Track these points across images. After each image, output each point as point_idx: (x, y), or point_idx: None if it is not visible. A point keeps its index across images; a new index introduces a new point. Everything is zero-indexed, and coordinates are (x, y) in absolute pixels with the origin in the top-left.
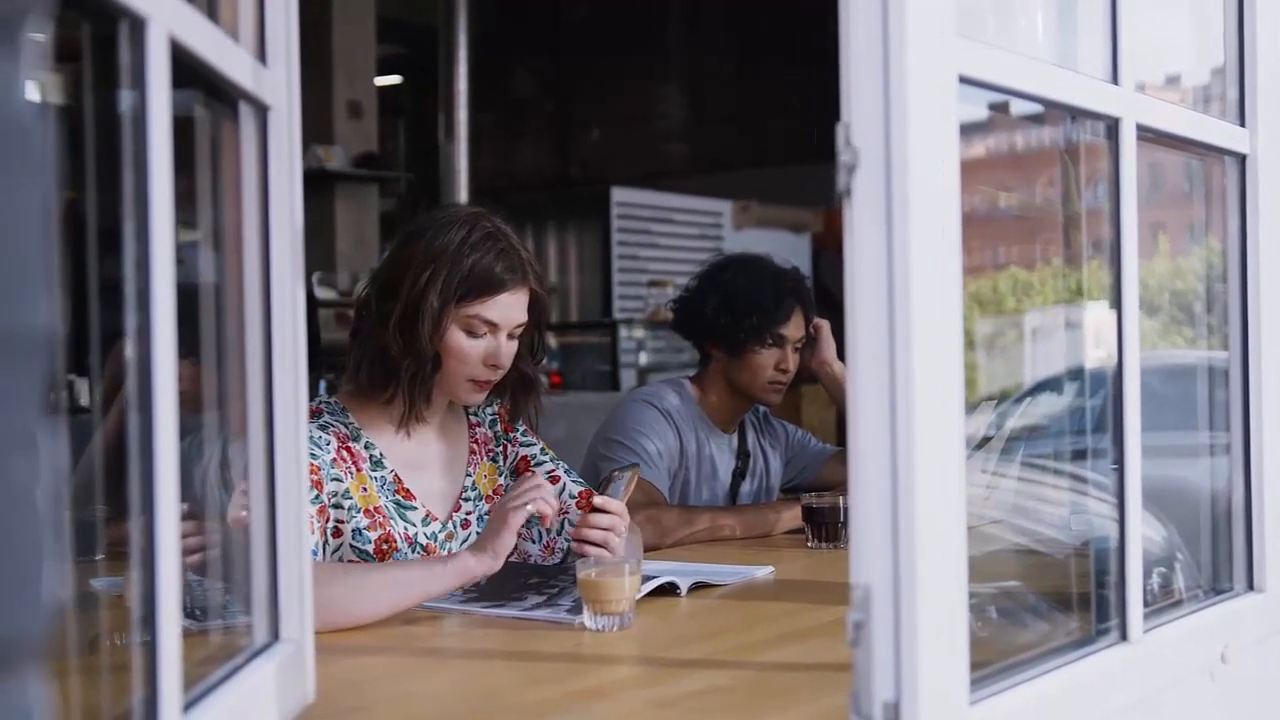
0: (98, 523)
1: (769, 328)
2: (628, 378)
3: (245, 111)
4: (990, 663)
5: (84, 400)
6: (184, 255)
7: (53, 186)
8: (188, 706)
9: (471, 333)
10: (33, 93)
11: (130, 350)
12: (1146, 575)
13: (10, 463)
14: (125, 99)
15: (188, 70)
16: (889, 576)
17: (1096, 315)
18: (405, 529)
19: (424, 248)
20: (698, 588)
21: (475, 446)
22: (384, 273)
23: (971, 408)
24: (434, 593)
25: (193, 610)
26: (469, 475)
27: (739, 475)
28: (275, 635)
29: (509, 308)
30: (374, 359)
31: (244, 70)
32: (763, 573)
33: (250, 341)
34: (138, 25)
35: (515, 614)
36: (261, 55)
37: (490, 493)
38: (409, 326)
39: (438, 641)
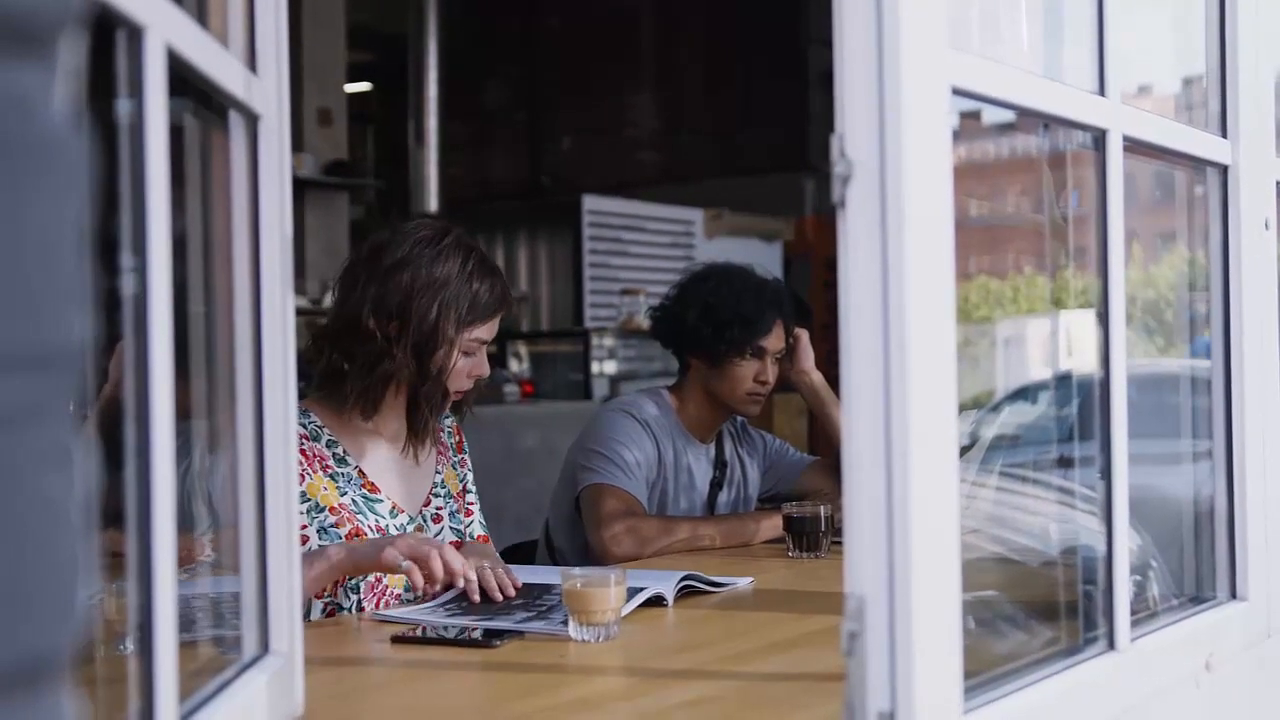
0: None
1: (750, 340)
2: (600, 387)
3: (235, 120)
4: (982, 672)
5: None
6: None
7: (86, 200)
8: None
9: (468, 353)
10: (67, 106)
11: (126, 359)
12: None
13: (45, 477)
14: (121, 107)
15: (179, 78)
16: (883, 587)
17: (1071, 324)
18: (375, 521)
19: (424, 277)
20: (684, 594)
21: (441, 447)
22: (383, 299)
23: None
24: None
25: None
26: (438, 473)
27: (716, 485)
28: (265, 648)
29: (497, 324)
30: (382, 383)
31: (236, 79)
32: (744, 583)
33: (240, 351)
34: (135, 34)
35: (508, 627)
36: (252, 64)
37: (457, 493)
38: (422, 355)
39: (425, 654)
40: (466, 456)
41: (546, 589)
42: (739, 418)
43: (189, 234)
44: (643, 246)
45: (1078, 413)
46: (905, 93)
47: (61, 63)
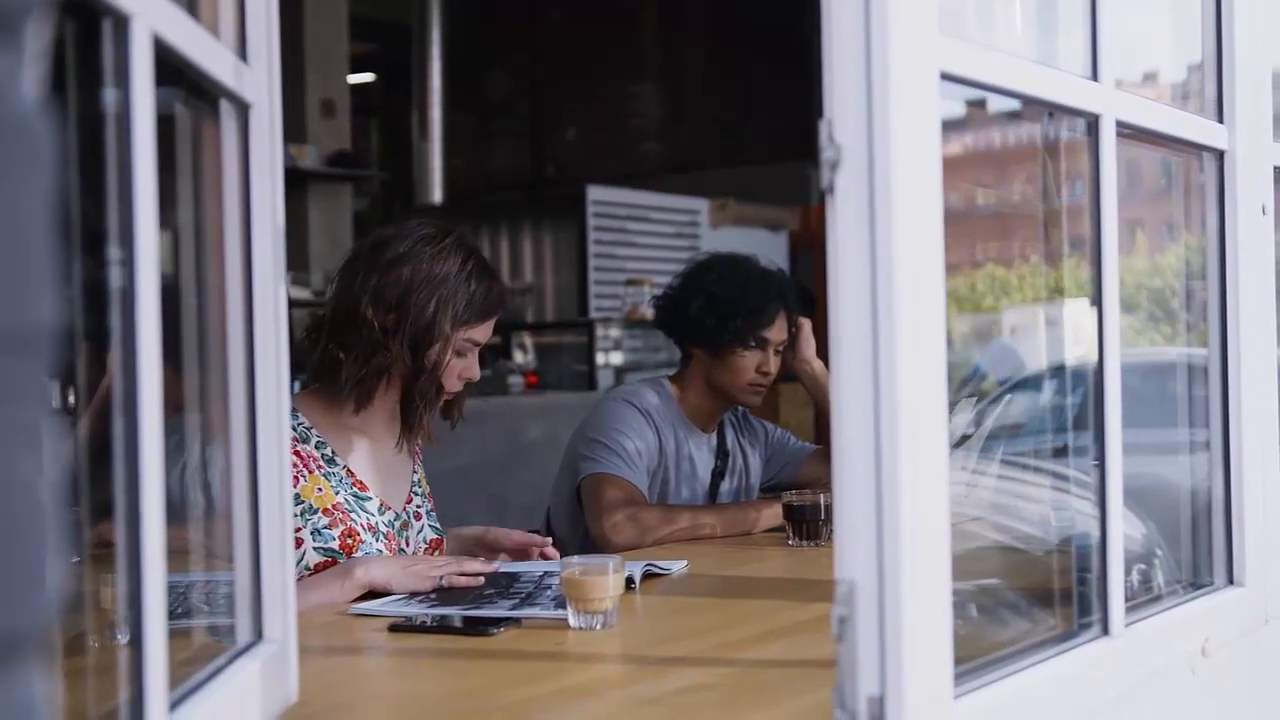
0: (79, 524)
1: (753, 330)
2: (605, 377)
3: (226, 110)
4: (974, 657)
5: (56, 402)
6: (161, 255)
7: (54, 184)
8: (173, 706)
9: (459, 353)
10: (34, 91)
11: (114, 352)
12: (1126, 571)
13: (16, 457)
14: (108, 96)
15: (168, 68)
16: (873, 571)
17: (1075, 313)
18: (367, 519)
19: (424, 273)
20: (648, 577)
21: (417, 450)
22: (382, 291)
23: (951, 405)
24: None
25: (172, 610)
26: (415, 473)
27: (718, 474)
28: (259, 635)
29: (491, 328)
30: (377, 375)
31: (225, 68)
32: (677, 567)
33: (232, 342)
34: (121, 22)
35: (503, 614)
36: (242, 53)
37: (428, 493)
38: (418, 349)
39: (422, 642)
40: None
41: (514, 579)
42: (740, 407)
43: (181, 225)
44: (648, 237)
45: (1080, 401)
46: (893, 78)
47: (29, 47)
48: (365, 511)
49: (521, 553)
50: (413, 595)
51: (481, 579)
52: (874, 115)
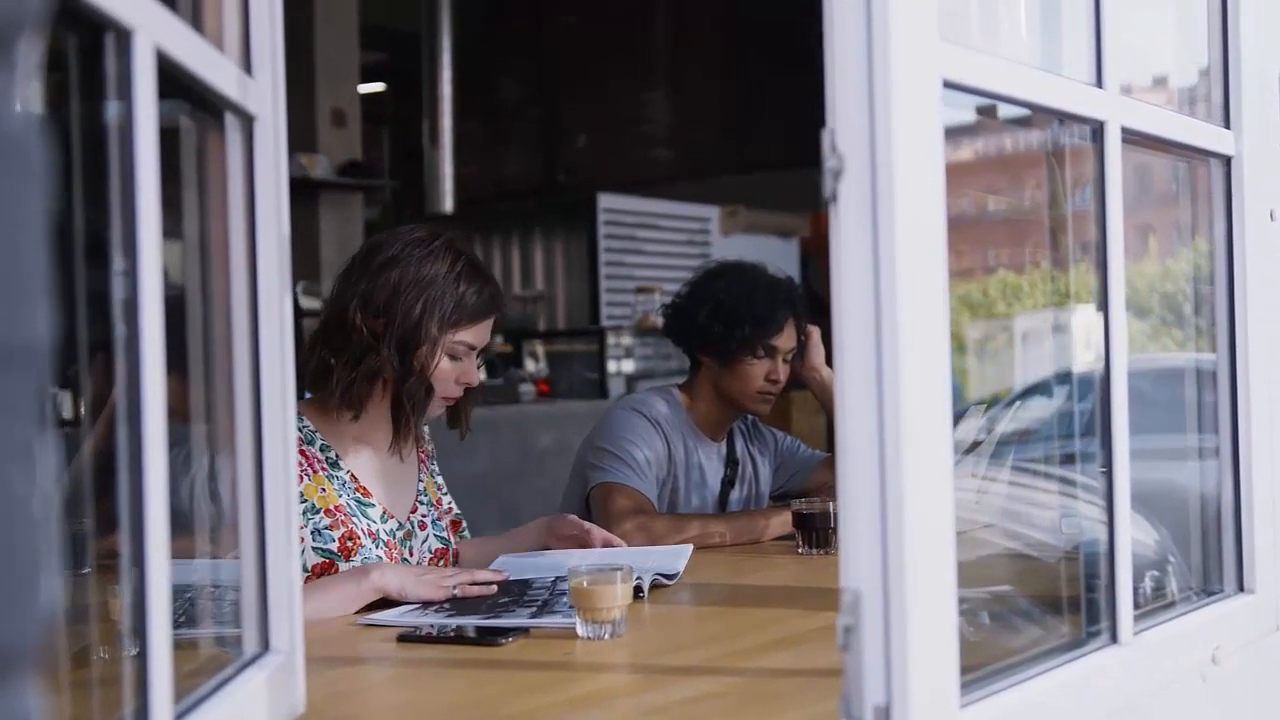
0: (87, 536)
1: (761, 338)
2: (616, 386)
3: (231, 122)
4: (981, 666)
5: (66, 413)
6: (168, 266)
7: (48, 198)
8: (178, 717)
9: (453, 356)
10: (28, 105)
11: (118, 363)
12: (1139, 579)
13: (8, 472)
14: (111, 109)
15: (173, 80)
16: (878, 580)
17: (1085, 318)
18: (368, 525)
19: (412, 275)
20: (655, 587)
21: (423, 457)
22: (371, 295)
23: (961, 412)
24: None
25: (179, 620)
26: (420, 481)
27: (728, 483)
28: (265, 646)
29: (487, 331)
30: (367, 379)
31: (229, 80)
32: (683, 559)
33: (238, 353)
34: (124, 36)
35: (516, 624)
36: (247, 65)
37: (435, 501)
38: (406, 351)
39: (430, 652)
40: (435, 466)
41: (526, 586)
42: (750, 415)
43: (187, 237)
44: (659, 244)
45: (1090, 407)
46: (895, 86)
47: (22, 63)
48: (367, 517)
49: (579, 541)
50: (426, 605)
51: (494, 588)
52: (876, 124)
